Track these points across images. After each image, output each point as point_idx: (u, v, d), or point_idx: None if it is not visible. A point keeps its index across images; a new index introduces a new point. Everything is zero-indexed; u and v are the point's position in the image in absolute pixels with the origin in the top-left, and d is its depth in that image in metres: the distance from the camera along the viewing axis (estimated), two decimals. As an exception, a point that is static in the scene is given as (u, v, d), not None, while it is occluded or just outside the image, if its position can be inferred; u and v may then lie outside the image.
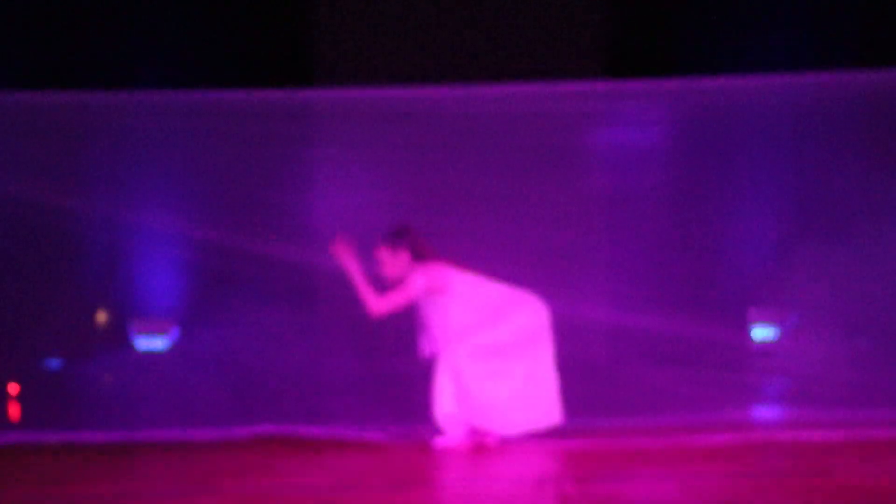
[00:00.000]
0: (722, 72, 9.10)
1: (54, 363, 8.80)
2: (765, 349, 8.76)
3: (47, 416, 7.25)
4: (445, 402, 6.29)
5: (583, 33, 10.25)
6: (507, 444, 6.26)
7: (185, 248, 8.37)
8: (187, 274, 9.05)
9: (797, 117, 7.71)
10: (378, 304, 6.36)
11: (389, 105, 7.38)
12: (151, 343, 9.05)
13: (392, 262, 6.45)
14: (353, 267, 6.40)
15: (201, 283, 8.87)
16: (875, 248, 7.96)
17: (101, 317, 9.06)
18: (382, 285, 6.51)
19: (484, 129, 7.51)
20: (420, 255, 6.43)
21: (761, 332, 8.84)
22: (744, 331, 8.75)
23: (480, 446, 6.27)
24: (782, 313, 8.83)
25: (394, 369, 7.91)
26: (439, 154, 7.85)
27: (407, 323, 7.66)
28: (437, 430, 6.37)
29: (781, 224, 9.12)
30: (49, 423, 6.83)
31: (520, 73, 9.75)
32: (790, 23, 9.91)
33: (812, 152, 8.64)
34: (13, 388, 8.25)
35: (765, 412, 7.29)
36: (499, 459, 5.94)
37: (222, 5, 10.21)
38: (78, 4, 9.85)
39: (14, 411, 7.97)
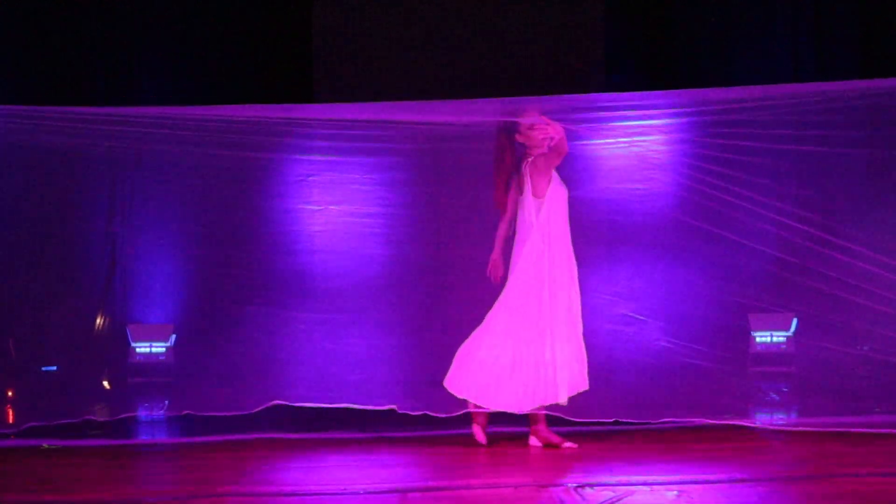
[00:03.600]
0: (722, 81, 9.11)
1: (52, 369, 8.79)
2: (765, 354, 8.75)
3: (45, 421, 7.24)
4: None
5: (583, 45, 10.26)
6: (506, 447, 6.25)
7: (184, 255, 8.37)
8: (186, 280, 9.05)
9: (798, 125, 7.71)
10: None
11: (389, 117, 7.40)
12: (150, 349, 9.05)
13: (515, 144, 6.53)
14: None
15: (200, 290, 8.87)
16: (875, 254, 7.95)
17: (100, 322, 9.05)
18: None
19: (483, 138, 7.52)
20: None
21: (762, 338, 8.83)
22: (744, 336, 8.75)
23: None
24: (783, 318, 8.82)
25: (393, 375, 7.92)
26: (438, 164, 7.86)
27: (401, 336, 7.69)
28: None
29: (783, 228, 9.12)
30: (48, 428, 6.82)
31: (520, 83, 9.76)
32: (791, 29, 9.92)
33: (813, 158, 8.64)
34: (13, 393, 8.25)
35: (765, 417, 7.28)
36: (499, 463, 5.93)
37: (224, 22, 10.23)
38: (79, 20, 9.87)
39: (12, 416, 7.95)
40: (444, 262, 7.87)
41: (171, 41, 10.14)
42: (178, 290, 9.14)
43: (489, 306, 6.60)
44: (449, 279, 7.92)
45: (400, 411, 6.29)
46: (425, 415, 6.63)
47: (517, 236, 6.48)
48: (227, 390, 7.12)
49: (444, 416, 6.12)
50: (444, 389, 6.42)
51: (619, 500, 5.03)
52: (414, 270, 7.93)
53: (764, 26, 10.00)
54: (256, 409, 6.47)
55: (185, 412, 7.00)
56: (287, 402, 6.53)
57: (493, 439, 6.42)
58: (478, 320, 6.78)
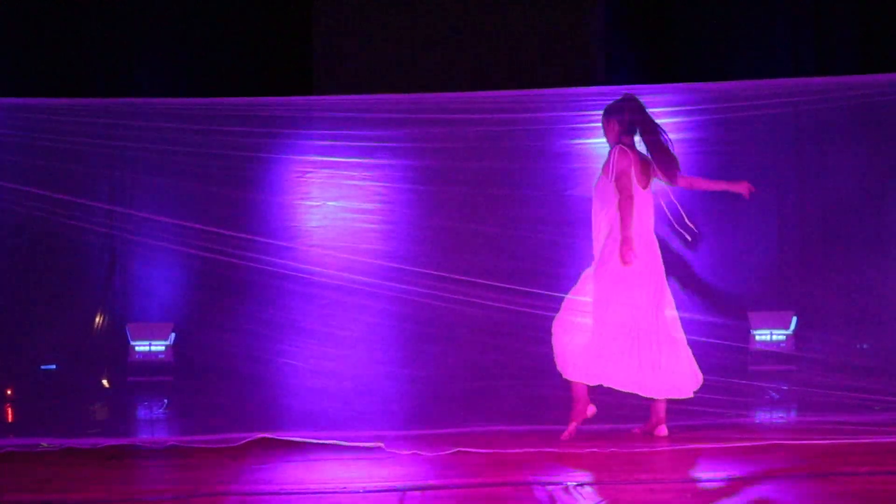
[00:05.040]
0: (723, 76, 9.11)
1: (52, 367, 8.80)
2: (765, 353, 8.74)
3: (44, 420, 7.24)
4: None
5: (583, 45, 10.26)
6: (505, 446, 6.23)
7: (183, 253, 8.36)
8: (185, 279, 9.05)
9: (798, 121, 7.71)
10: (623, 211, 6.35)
11: (387, 111, 7.39)
12: (149, 347, 9.04)
13: (607, 129, 6.51)
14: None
15: (199, 288, 8.87)
16: (877, 251, 7.95)
17: (100, 321, 9.05)
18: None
19: (482, 134, 7.50)
20: (626, 132, 6.46)
21: (761, 336, 8.82)
22: (745, 335, 8.73)
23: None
24: (782, 317, 8.82)
25: (391, 372, 7.91)
26: (437, 160, 7.86)
27: (405, 326, 7.67)
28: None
29: (783, 228, 9.12)
30: (46, 428, 6.81)
31: (519, 80, 9.76)
32: (791, 28, 9.93)
33: (814, 155, 8.64)
34: (11, 393, 8.25)
35: (765, 417, 7.27)
36: (498, 462, 5.92)
37: (224, 14, 10.23)
38: (79, 17, 9.88)
39: (11, 415, 7.95)
40: (443, 261, 7.86)
41: (170, 37, 10.15)
42: (177, 288, 9.15)
43: (487, 306, 6.58)
44: (448, 278, 7.90)
45: (387, 449, 6.24)
46: (424, 413, 6.62)
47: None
48: (216, 420, 7.09)
49: (431, 454, 6.07)
50: (434, 423, 6.45)
51: (618, 499, 5.02)
52: (411, 270, 7.92)
53: (764, 26, 10.00)
54: (242, 442, 6.43)
55: (172, 444, 6.85)
56: (273, 436, 6.49)
57: (492, 438, 6.41)
58: (476, 322, 6.78)
